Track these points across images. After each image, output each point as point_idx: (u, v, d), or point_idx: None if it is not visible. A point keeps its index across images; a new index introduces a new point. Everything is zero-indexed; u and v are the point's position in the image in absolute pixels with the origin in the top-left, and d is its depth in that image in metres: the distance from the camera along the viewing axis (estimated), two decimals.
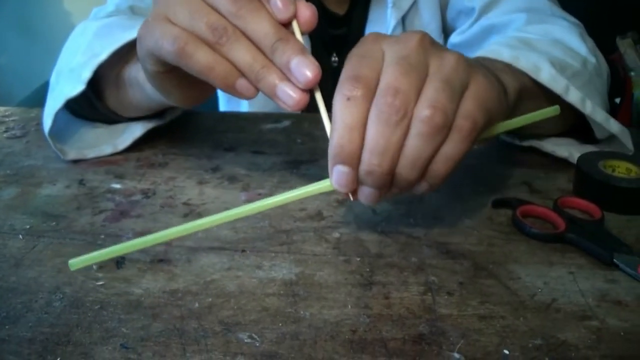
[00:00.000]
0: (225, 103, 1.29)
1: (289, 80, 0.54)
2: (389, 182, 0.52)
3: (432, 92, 0.50)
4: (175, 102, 0.69)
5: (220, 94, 1.30)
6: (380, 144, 0.50)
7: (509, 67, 0.70)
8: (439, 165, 0.52)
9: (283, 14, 0.55)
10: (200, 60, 0.55)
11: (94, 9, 0.94)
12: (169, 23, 0.57)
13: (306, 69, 0.53)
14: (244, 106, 1.22)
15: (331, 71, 1.11)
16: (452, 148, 0.51)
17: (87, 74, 0.76)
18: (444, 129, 0.50)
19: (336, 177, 0.52)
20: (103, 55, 0.76)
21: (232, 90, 0.57)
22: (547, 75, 0.72)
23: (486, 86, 0.54)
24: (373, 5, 1.10)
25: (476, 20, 1.02)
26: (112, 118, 0.85)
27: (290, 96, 0.54)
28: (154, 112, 0.84)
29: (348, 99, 0.50)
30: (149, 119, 0.86)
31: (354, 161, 0.51)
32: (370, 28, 1.09)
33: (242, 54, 0.55)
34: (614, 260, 0.58)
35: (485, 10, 1.01)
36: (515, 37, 0.81)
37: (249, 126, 0.93)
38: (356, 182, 0.52)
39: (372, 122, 0.50)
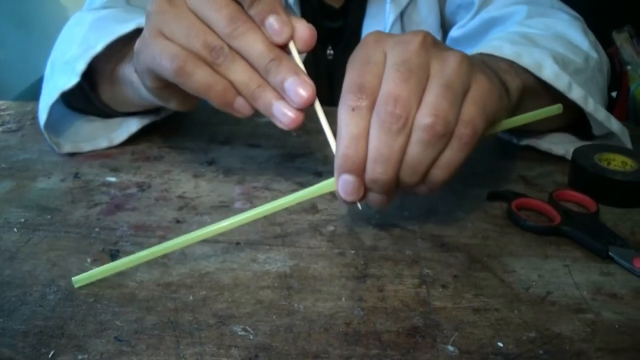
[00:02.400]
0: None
1: (284, 99, 0.55)
2: (394, 186, 0.53)
3: (433, 98, 0.51)
4: (172, 108, 0.69)
5: None
6: (383, 152, 0.50)
7: (511, 66, 0.70)
8: (439, 171, 0.53)
9: (279, 37, 0.56)
10: (200, 79, 0.57)
11: (86, 0, 0.93)
12: (166, 40, 0.58)
13: (300, 89, 0.54)
14: None
15: (326, 64, 1.11)
16: (452, 155, 0.52)
17: (81, 66, 0.76)
18: (444, 137, 0.51)
19: (342, 187, 0.53)
20: (97, 48, 0.76)
21: (229, 109, 0.58)
22: (549, 73, 0.72)
23: (488, 88, 0.54)
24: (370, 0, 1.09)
25: (476, 13, 1.02)
26: (107, 112, 0.85)
27: (285, 115, 0.55)
28: (147, 108, 0.84)
29: (353, 109, 0.51)
30: (145, 114, 0.86)
31: (359, 170, 0.52)
32: (368, 22, 1.09)
33: (239, 74, 0.56)
34: (609, 253, 0.59)
35: (485, 2, 1.01)
36: (517, 32, 0.81)
37: (244, 119, 0.91)
38: (362, 191, 0.53)
39: (374, 131, 0.51)
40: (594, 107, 0.73)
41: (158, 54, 0.58)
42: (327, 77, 1.12)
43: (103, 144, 0.83)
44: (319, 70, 1.11)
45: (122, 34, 0.75)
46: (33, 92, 1.32)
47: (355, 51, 0.55)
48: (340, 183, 0.53)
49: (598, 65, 0.83)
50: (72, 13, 0.90)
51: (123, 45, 0.76)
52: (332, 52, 1.12)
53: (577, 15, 0.93)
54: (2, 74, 3.13)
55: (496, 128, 0.59)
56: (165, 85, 0.63)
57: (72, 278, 0.54)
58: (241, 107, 0.58)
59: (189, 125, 0.91)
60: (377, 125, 0.50)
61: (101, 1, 0.91)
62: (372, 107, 0.51)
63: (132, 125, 0.85)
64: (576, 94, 0.72)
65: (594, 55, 0.83)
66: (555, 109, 0.61)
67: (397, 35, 0.55)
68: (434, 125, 0.50)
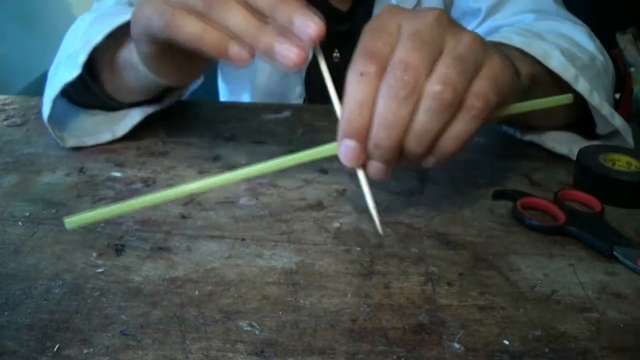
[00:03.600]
0: (226, 95, 1.29)
1: (286, 37, 0.55)
2: (396, 156, 0.53)
3: (443, 68, 0.51)
4: (169, 82, 0.70)
5: (221, 85, 1.30)
6: (388, 118, 0.51)
7: (520, 52, 0.71)
8: (448, 142, 0.53)
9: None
10: (189, 30, 0.57)
11: (94, 4, 0.94)
12: (160, 2, 0.59)
13: (311, 23, 0.54)
14: (245, 97, 1.22)
15: (333, 67, 1.11)
16: (462, 126, 0.52)
17: (82, 58, 0.76)
18: (452, 106, 0.51)
19: (343, 151, 0.53)
20: (97, 39, 0.76)
21: (225, 57, 0.57)
22: (557, 63, 0.72)
23: (501, 67, 0.54)
24: (377, 3, 1.09)
25: (482, 21, 1.02)
26: (110, 104, 0.85)
27: (288, 53, 0.55)
28: (149, 95, 0.85)
29: (361, 74, 0.51)
30: (147, 104, 0.86)
31: (362, 136, 0.52)
32: None
33: (233, 17, 0.56)
34: (614, 252, 0.59)
35: (492, 12, 1.01)
36: (525, 28, 0.81)
37: (250, 116, 0.93)
38: (363, 157, 0.53)
39: (381, 97, 0.51)
40: (599, 102, 0.73)
41: (150, 14, 0.59)
42: (334, 79, 1.12)
43: (106, 137, 0.84)
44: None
45: (121, 24, 0.76)
46: (36, 88, 1.32)
47: (369, 21, 0.55)
48: (342, 148, 0.53)
49: (604, 66, 0.83)
50: (76, 9, 0.91)
51: (121, 35, 0.77)
52: (338, 55, 1.13)
53: (584, 24, 0.93)
54: (5, 69, 3.14)
55: (506, 110, 0.58)
56: (160, 50, 0.64)
57: (64, 218, 0.53)
58: (236, 54, 0.57)
59: (194, 122, 0.91)
60: (384, 91, 0.50)
61: (106, 6, 0.92)
62: (380, 73, 0.51)
63: (135, 116, 0.85)
64: (582, 86, 0.72)
65: (600, 57, 0.83)
66: (566, 98, 0.62)
67: (413, 10, 0.55)
68: (442, 92, 0.50)
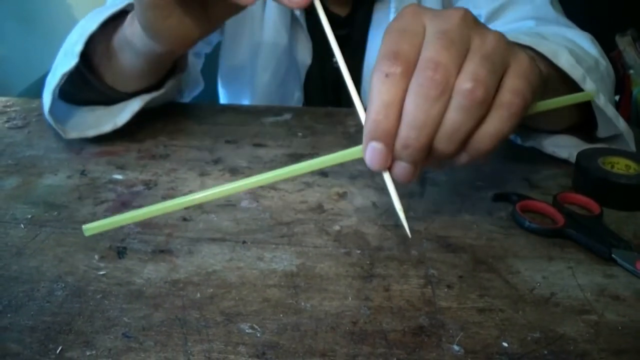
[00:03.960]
0: (226, 100, 1.30)
1: None
2: (424, 156, 0.52)
3: (473, 66, 0.50)
4: (164, 42, 0.70)
5: (221, 91, 1.31)
6: (419, 117, 0.49)
7: (532, 51, 0.71)
8: (484, 140, 0.52)
9: None
10: None
11: (94, 10, 0.95)
12: None
13: None
14: (244, 102, 1.22)
15: (332, 72, 1.12)
16: (499, 124, 0.51)
17: (79, 47, 0.78)
18: (484, 103, 0.50)
19: (370, 155, 0.52)
20: (92, 27, 0.78)
21: None
22: (565, 62, 0.72)
23: (529, 64, 0.54)
24: (376, 9, 1.10)
25: None
26: (110, 95, 0.85)
27: None
28: (149, 76, 0.85)
29: (386, 75, 0.50)
30: (146, 92, 0.87)
31: (389, 138, 0.51)
32: (374, 31, 1.09)
33: None
34: (613, 255, 0.59)
35: (492, 18, 1.01)
36: (530, 31, 0.81)
37: (251, 119, 0.93)
38: (389, 160, 0.52)
39: (411, 97, 0.50)
40: (604, 103, 0.73)
41: None
42: (333, 84, 1.13)
43: (108, 127, 0.84)
44: (326, 78, 1.12)
45: (115, 11, 0.78)
46: (36, 90, 1.32)
47: (392, 22, 0.54)
48: (368, 150, 0.52)
49: (607, 71, 0.83)
50: (77, 10, 0.92)
51: (116, 25, 0.78)
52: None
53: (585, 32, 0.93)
54: (5, 70, 3.14)
55: (533, 109, 0.58)
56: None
57: (83, 226, 0.54)
58: None
59: (195, 124, 0.91)
60: (414, 91, 0.49)
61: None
62: (406, 74, 0.50)
63: (135, 105, 0.86)
64: (590, 86, 0.72)
65: (603, 62, 0.83)
66: (586, 95, 0.62)
67: (436, 9, 0.54)
68: (474, 90, 0.49)
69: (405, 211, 0.57)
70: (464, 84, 0.49)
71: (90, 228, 0.55)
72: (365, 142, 0.52)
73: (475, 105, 0.50)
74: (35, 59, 2.78)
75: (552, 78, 0.72)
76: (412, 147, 0.50)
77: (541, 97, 0.62)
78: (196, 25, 0.69)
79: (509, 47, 0.53)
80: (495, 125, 0.51)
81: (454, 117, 0.50)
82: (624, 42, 2.11)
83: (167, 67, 0.86)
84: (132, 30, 0.73)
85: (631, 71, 2.12)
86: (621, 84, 2.13)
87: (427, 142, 0.50)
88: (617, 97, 2.14)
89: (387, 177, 0.54)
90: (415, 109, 0.49)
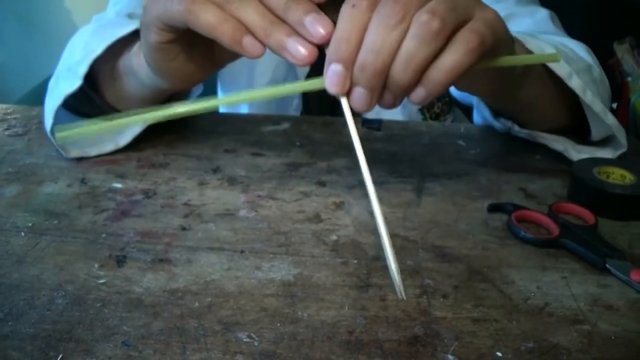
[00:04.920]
0: (225, 108, 1.30)
1: (297, 34, 0.57)
2: (381, 82, 0.55)
3: (434, 3, 0.53)
4: (170, 81, 0.71)
5: (220, 95, 1.31)
6: (377, 42, 0.53)
7: (518, 43, 0.72)
8: (440, 73, 0.54)
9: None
10: (208, 17, 0.58)
11: (94, 17, 0.95)
12: None
13: (319, 26, 0.55)
14: (243, 109, 1.23)
15: None
16: (454, 58, 0.54)
17: (83, 69, 0.78)
18: (440, 35, 0.53)
19: (329, 76, 0.55)
20: (98, 50, 0.78)
21: (239, 47, 0.58)
22: None
23: (495, 16, 0.57)
24: None
25: None
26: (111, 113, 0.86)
27: (299, 50, 0.57)
28: (150, 104, 0.85)
29: (353, 6, 0.53)
30: None
31: (348, 61, 0.54)
32: None
33: (251, 12, 0.58)
34: (607, 265, 0.59)
35: None
36: (522, 32, 0.83)
37: (249, 128, 0.94)
38: (348, 84, 0.55)
39: (372, 24, 0.53)
40: (591, 99, 0.75)
41: (168, 1, 0.60)
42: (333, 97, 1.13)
43: (109, 147, 0.84)
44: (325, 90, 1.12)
45: (122, 36, 0.77)
46: (36, 95, 1.32)
47: None
48: (328, 73, 0.55)
49: (600, 77, 0.84)
50: (77, 16, 0.92)
51: (122, 46, 0.78)
52: None
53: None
54: (5, 76, 3.14)
55: (496, 62, 0.60)
56: (168, 40, 0.65)
57: (55, 130, 0.57)
58: (250, 45, 0.58)
59: (194, 133, 0.92)
60: (375, 19, 0.53)
61: (107, 18, 0.93)
62: (371, 7, 0.53)
63: (136, 127, 0.86)
64: (576, 83, 0.74)
65: (597, 69, 0.84)
66: (552, 56, 0.63)
67: None
68: (429, 21, 0.52)
69: (401, 221, 0.58)
70: (422, 15, 0.52)
71: (61, 136, 0.57)
72: (326, 66, 0.55)
73: (431, 36, 0.52)
74: (34, 64, 2.79)
75: (538, 73, 0.73)
76: (368, 71, 0.54)
77: (514, 85, 0.66)
78: (201, 66, 0.71)
79: (480, 1, 0.57)
80: (451, 58, 0.54)
81: (410, 44, 0.53)
82: (622, 50, 2.11)
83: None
84: (138, 62, 0.73)
85: (629, 79, 2.12)
86: (619, 92, 2.14)
87: (383, 67, 0.54)
88: (614, 105, 2.14)
89: (344, 103, 0.57)
90: (374, 35, 0.53)
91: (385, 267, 0.59)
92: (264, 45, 0.58)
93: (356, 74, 0.54)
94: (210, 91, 1.18)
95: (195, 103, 0.59)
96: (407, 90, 0.56)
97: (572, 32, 0.99)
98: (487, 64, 0.58)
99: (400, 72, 0.54)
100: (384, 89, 0.56)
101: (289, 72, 1.15)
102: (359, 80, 0.54)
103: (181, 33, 0.63)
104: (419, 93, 0.56)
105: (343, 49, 0.53)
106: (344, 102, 0.57)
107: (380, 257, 0.61)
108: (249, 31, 0.58)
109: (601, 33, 2.16)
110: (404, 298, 0.55)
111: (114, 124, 0.59)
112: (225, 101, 0.57)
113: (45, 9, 3.11)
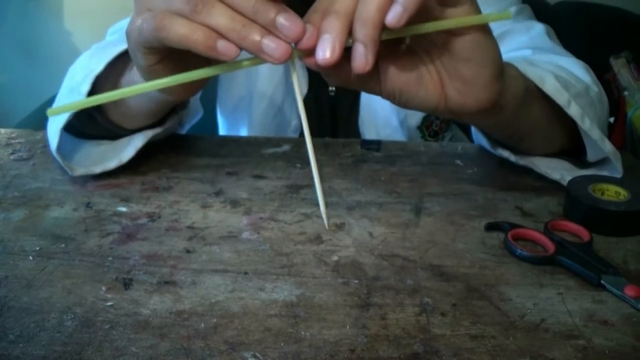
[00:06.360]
0: (225, 128, 1.32)
1: (271, 33, 0.57)
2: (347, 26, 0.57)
3: None
4: (173, 94, 0.73)
5: (220, 119, 1.32)
6: None
7: (518, 71, 0.73)
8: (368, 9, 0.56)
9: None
10: (178, 30, 0.58)
11: (93, 45, 0.96)
12: (149, 12, 0.61)
13: (291, 24, 0.57)
14: (243, 130, 1.24)
15: (328, 100, 1.14)
16: None
17: (86, 87, 0.79)
18: None
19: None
20: (99, 68, 0.79)
21: (214, 53, 0.59)
22: (551, 87, 0.74)
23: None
24: None
25: None
26: (115, 132, 0.88)
27: (276, 49, 0.57)
28: (154, 117, 0.87)
29: None
30: (149, 128, 0.89)
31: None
32: None
33: (221, 17, 0.58)
34: (601, 281, 0.60)
35: None
36: (520, 58, 0.84)
37: (250, 150, 0.95)
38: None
39: None
40: (589, 126, 0.75)
41: (140, 23, 0.61)
42: (329, 113, 1.15)
43: (112, 164, 0.86)
44: (322, 107, 1.14)
45: (120, 52, 0.79)
46: (37, 118, 1.34)
47: None
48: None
49: (598, 97, 0.85)
50: (77, 38, 0.94)
51: (123, 64, 0.80)
52: (333, 89, 1.15)
53: (580, 60, 0.95)
54: (6, 98, 3.14)
55: (448, 24, 0.60)
56: (157, 62, 0.65)
57: (47, 111, 0.59)
58: (224, 48, 0.58)
59: (196, 156, 0.93)
60: None
61: (106, 41, 0.95)
62: None
63: (138, 141, 0.87)
64: (574, 110, 0.75)
65: (595, 88, 0.85)
66: (505, 14, 0.64)
67: None
68: None
69: (401, 241, 0.59)
70: None
71: (53, 111, 0.60)
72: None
73: None
74: (35, 85, 2.79)
75: (539, 99, 0.75)
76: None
77: (518, 106, 0.66)
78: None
79: None
80: None
81: None
82: (618, 64, 2.12)
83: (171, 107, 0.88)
84: (139, 78, 0.74)
85: (626, 93, 2.13)
86: (616, 106, 2.15)
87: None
88: (612, 119, 2.15)
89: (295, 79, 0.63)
90: None
91: (385, 287, 0.60)
92: (239, 47, 0.58)
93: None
94: (209, 115, 1.20)
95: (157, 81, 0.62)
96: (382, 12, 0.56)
97: (570, 46, 1.00)
98: (450, 24, 0.60)
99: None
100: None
101: (288, 94, 1.16)
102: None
103: (167, 51, 0.63)
104: (395, 10, 0.56)
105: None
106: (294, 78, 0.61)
107: (380, 276, 0.62)
108: (223, 36, 0.58)
109: (598, 47, 2.17)
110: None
111: (99, 98, 0.60)
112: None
113: (45, 30, 3.12)
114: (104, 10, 2.77)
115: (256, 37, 0.57)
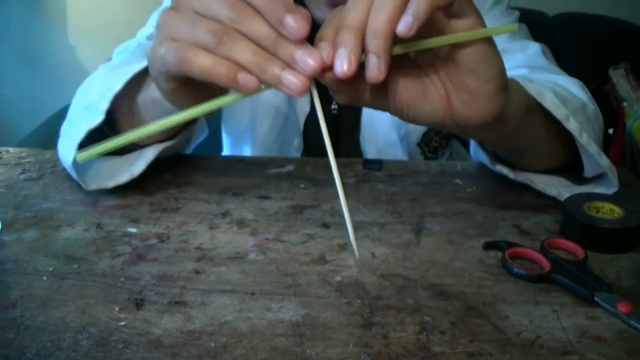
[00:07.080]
0: (229, 146, 1.34)
1: (291, 67, 0.59)
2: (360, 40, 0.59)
3: None
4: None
5: (224, 137, 1.34)
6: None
7: (519, 85, 0.75)
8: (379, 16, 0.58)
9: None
10: (201, 63, 0.60)
11: (100, 65, 0.98)
12: (172, 41, 0.63)
13: (310, 59, 0.58)
14: (246, 149, 1.27)
15: (331, 118, 1.16)
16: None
17: (104, 106, 0.81)
18: None
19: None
20: (117, 87, 0.81)
21: (235, 84, 0.60)
22: (550, 102, 0.76)
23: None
24: None
25: None
26: (126, 147, 0.89)
27: (294, 82, 0.59)
28: (167, 132, 0.89)
29: None
30: (159, 142, 0.90)
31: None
32: None
33: (244, 51, 0.60)
34: (595, 298, 0.62)
35: None
36: (518, 76, 0.86)
37: (255, 170, 0.97)
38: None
39: None
40: (587, 141, 0.77)
41: (164, 53, 0.63)
42: (332, 131, 1.16)
43: (124, 178, 0.87)
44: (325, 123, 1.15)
45: (138, 71, 0.81)
46: (42, 134, 1.34)
47: None
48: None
49: (594, 114, 0.87)
50: (81, 52, 0.95)
51: (138, 82, 0.82)
52: (336, 107, 1.17)
53: (576, 79, 0.97)
54: (11, 112, 3.16)
55: (467, 36, 0.62)
56: (179, 86, 0.67)
57: (77, 155, 0.62)
58: (245, 80, 0.60)
59: (203, 177, 0.94)
60: None
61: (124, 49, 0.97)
62: None
63: (149, 155, 0.89)
64: (573, 125, 0.76)
65: (591, 106, 0.87)
66: (511, 27, 0.66)
67: None
68: None
69: (401, 261, 0.61)
70: None
71: (83, 156, 0.62)
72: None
73: None
74: (40, 99, 2.82)
75: (539, 113, 0.77)
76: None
77: (520, 118, 0.68)
78: (221, 92, 0.73)
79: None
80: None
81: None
82: (617, 75, 2.13)
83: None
84: (159, 96, 0.75)
85: (624, 104, 2.14)
86: (615, 117, 2.16)
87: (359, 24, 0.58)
88: (610, 130, 2.16)
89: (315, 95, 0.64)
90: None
91: (386, 306, 0.62)
92: (260, 81, 0.60)
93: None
94: (214, 135, 1.22)
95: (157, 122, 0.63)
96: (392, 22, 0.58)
97: (568, 57, 1.02)
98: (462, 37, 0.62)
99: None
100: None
101: (290, 113, 1.19)
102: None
103: (187, 78, 0.65)
104: (406, 20, 0.57)
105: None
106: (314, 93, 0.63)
107: (382, 296, 0.64)
108: (244, 69, 0.60)
109: (597, 58, 2.19)
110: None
111: (129, 137, 0.63)
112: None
113: (49, 44, 3.13)
114: (107, 26, 2.80)
115: (276, 70, 0.59)
